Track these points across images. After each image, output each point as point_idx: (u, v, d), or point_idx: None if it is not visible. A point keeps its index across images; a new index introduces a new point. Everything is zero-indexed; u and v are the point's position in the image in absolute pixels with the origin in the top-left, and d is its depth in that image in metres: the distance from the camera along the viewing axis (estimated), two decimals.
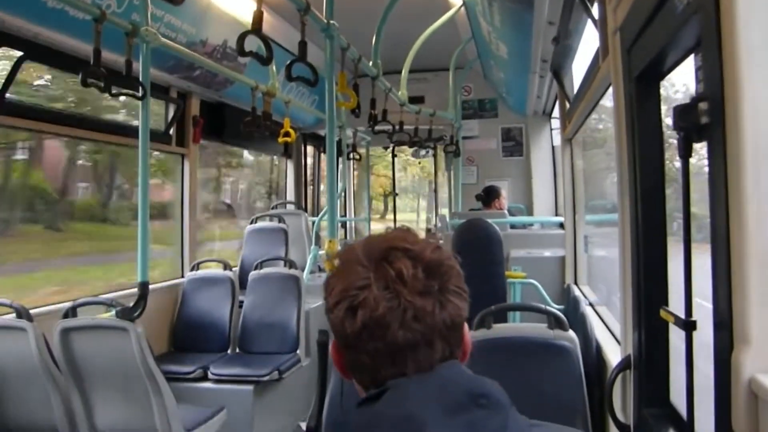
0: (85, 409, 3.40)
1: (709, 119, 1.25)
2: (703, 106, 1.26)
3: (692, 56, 1.54)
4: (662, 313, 1.69)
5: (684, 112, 1.33)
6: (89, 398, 3.40)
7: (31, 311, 3.34)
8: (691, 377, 1.52)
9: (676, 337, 1.76)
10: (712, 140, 1.24)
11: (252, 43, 3.03)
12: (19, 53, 3.94)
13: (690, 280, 1.47)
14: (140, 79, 3.84)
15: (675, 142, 1.46)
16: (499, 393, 0.98)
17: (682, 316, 1.51)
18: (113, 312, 3.48)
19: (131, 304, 3.71)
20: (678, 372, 1.72)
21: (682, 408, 1.70)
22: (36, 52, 4.07)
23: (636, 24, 1.81)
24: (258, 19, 2.94)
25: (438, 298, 1.01)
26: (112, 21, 3.51)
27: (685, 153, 1.42)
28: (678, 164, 1.47)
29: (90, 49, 3.40)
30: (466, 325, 1.08)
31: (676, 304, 1.65)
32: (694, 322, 1.48)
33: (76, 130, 4.68)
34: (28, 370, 3.29)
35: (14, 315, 3.34)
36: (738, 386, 1.16)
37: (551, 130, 8.24)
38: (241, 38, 2.97)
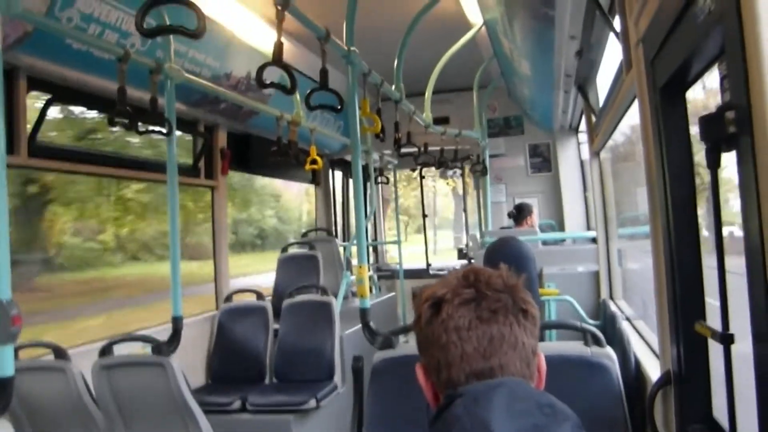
0: None
1: (737, 129, 1.21)
2: (729, 115, 1.22)
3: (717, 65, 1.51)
4: (698, 327, 1.65)
5: (711, 123, 1.30)
6: None
7: (69, 351, 3.37)
8: (731, 392, 1.48)
9: (716, 350, 1.72)
10: (741, 150, 1.21)
11: (275, 73, 3.03)
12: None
13: (725, 292, 1.44)
14: (166, 114, 3.87)
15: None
16: (565, 407, 1.07)
17: (719, 329, 1.47)
18: (149, 348, 3.50)
19: (166, 339, 3.73)
20: (721, 386, 1.68)
21: (725, 423, 1.66)
22: (63, 93, 4.15)
23: (658, 35, 1.78)
24: (278, 50, 2.93)
25: (513, 296, 1.16)
26: (136, 60, 3.56)
27: (714, 164, 1.39)
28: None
29: (116, 87, 3.42)
30: (541, 355, 1.21)
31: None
32: (732, 335, 1.44)
33: (104, 168, 4.76)
34: (69, 409, 3.32)
35: (52, 355, 3.37)
36: None
37: (578, 144, 8.19)
38: (260, 70, 2.92)
